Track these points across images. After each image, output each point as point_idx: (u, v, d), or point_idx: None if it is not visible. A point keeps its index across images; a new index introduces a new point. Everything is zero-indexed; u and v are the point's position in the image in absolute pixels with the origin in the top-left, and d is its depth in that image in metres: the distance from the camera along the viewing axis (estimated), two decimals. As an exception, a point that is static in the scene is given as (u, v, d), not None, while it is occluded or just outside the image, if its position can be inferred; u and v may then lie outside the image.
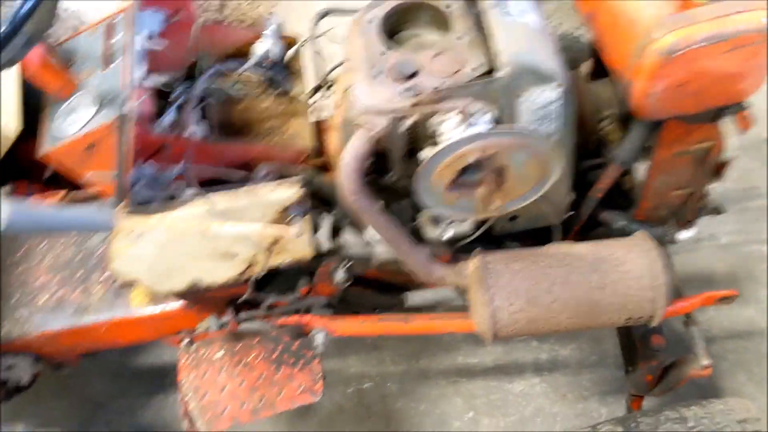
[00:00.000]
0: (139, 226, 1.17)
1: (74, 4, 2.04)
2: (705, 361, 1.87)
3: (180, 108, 1.57)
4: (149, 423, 2.58)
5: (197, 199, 1.40)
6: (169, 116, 1.53)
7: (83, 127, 1.34)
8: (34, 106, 2.13)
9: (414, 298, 2.08)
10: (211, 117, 1.66)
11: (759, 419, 1.84)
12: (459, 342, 2.63)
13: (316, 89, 1.81)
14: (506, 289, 1.51)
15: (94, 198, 2.00)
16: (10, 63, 1.20)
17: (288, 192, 1.42)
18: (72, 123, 1.36)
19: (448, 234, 1.59)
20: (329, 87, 1.83)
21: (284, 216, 1.46)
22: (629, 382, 2.10)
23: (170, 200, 1.41)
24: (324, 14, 1.76)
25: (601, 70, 1.76)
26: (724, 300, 1.91)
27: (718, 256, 2.73)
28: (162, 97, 1.63)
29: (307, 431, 2.49)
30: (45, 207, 0.92)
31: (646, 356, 1.94)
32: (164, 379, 2.67)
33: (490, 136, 1.30)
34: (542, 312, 1.52)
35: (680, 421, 1.80)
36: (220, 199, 1.39)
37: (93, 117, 1.35)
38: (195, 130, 1.54)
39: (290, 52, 1.79)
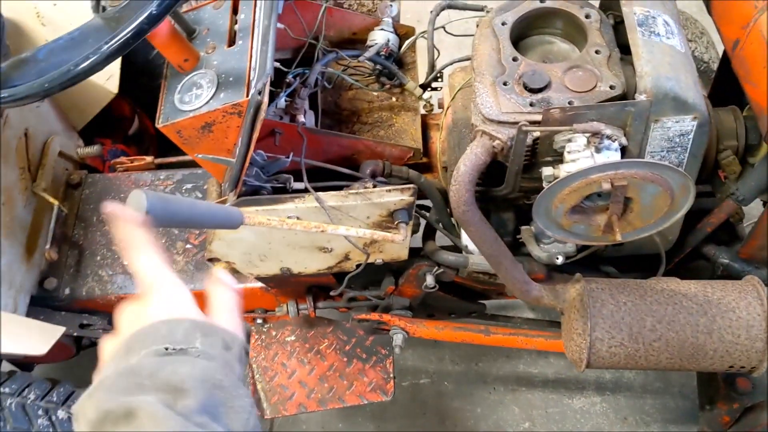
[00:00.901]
0: (259, 223, 1.13)
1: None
2: (790, 410, 1.79)
3: (292, 93, 1.52)
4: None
5: (306, 194, 1.35)
6: (281, 100, 1.49)
7: (203, 105, 1.30)
8: (129, 67, 2.13)
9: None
10: (320, 102, 1.62)
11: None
12: (521, 350, 2.57)
13: (428, 84, 1.74)
14: (609, 321, 1.45)
15: (186, 165, 2.00)
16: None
17: (399, 197, 1.37)
18: (191, 99, 1.33)
19: (559, 260, 1.53)
20: (440, 83, 1.77)
21: (389, 219, 1.41)
22: (703, 419, 2.03)
23: (278, 192, 1.37)
24: (444, 6, 1.69)
25: (723, 94, 1.67)
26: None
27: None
28: (273, 78, 1.58)
29: (359, 420, 2.47)
30: (180, 201, 0.88)
31: (728, 398, 1.87)
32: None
33: (626, 166, 1.23)
34: (643, 349, 1.45)
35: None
36: (330, 197, 1.35)
37: (213, 96, 1.31)
38: (306, 118, 1.50)
39: (407, 43, 1.73)
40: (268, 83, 1.25)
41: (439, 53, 1.79)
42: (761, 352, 1.45)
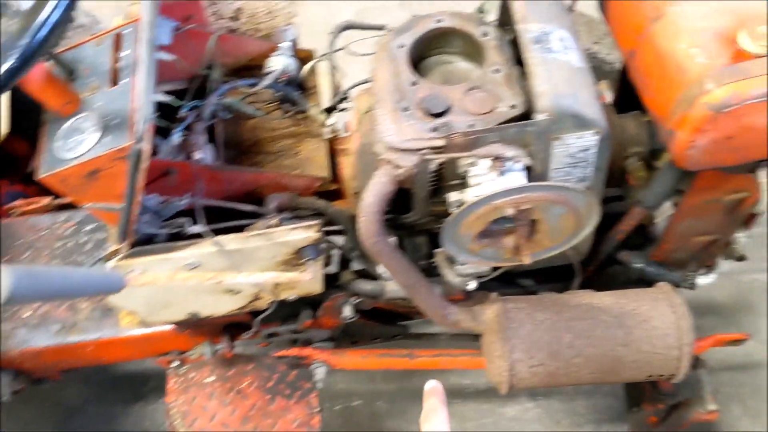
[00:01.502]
0: (145, 283, 1.06)
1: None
2: (712, 407, 1.83)
3: (187, 127, 1.45)
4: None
5: (204, 239, 1.28)
6: (175, 137, 1.41)
7: (87, 152, 1.22)
8: (20, 101, 2.00)
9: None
10: (218, 135, 1.55)
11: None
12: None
13: (332, 109, 1.70)
14: (527, 342, 1.43)
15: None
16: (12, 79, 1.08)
17: (304, 234, 1.32)
18: (74, 146, 1.24)
19: (471, 286, 1.50)
20: (345, 107, 1.72)
21: (296, 256, 1.36)
22: (631, 421, 2.06)
23: (174, 238, 1.30)
24: (344, 28, 1.65)
25: (627, 100, 1.68)
26: (735, 343, 1.87)
27: (718, 285, 2.64)
28: (165, 112, 1.51)
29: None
30: (51, 272, 0.80)
31: (653, 399, 1.90)
32: (144, 386, 2.56)
33: (529, 191, 1.21)
34: (563, 366, 1.44)
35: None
36: (230, 241, 1.29)
37: (98, 142, 1.23)
38: (204, 153, 1.43)
39: (306, 67, 1.67)
40: (149, 129, 1.17)
41: (344, 75, 1.74)
42: (677, 360, 1.46)
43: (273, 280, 1.21)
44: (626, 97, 1.69)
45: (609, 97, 1.84)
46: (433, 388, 0.91)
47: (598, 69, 2.45)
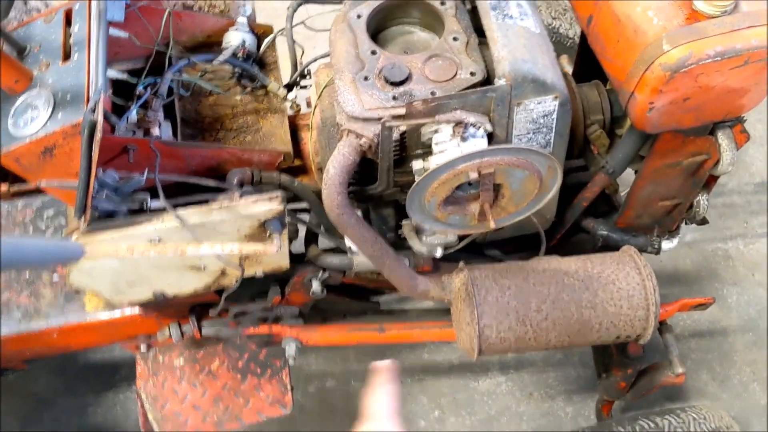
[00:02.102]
0: (104, 254, 1.04)
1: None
2: (679, 369, 1.86)
3: (145, 104, 1.42)
4: (99, 422, 2.44)
5: (165, 213, 1.26)
6: (132, 114, 1.39)
7: (40, 129, 1.19)
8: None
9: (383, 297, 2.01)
10: (178, 113, 1.52)
11: (731, 427, 1.85)
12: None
13: (293, 84, 1.68)
14: (495, 308, 1.44)
15: (39, 191, 1.85)
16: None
17: (267, 206, 1.31)
18: (27, 123, 1.21)
19: (438, 253, 1.50)
20: (304, 79, 1.70)
21: (261, 229, 1.34)
22: (602, 388, 2.08)
23: (135, 214, 1.28)
24: (301, 2, 1.63)
25: (587, 70, 1.69)
26: (700, 306, 1.90)
27: (683, 254, 2.73)
28: (123, 90, 1.48)
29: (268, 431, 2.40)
30: (6, 241, 0.78)
31: (621, 364, 1.91)
32: (114, 375, 2.53)
33: (490, 154, 1.21)
34: (531, 331, 1.45)
35: (656, 431, 1.79)
36: (192, 214, 1.27)
37: (50, 118, 1.20)
38: (161, 130, 1.41)
39: (266, 42, 1.65)
40: (101, 101, 1.15)
41: (303, 50, 1.73)
42: (644, 320, 1.48)
43: (237, 251, 1.20)
44: (586, 67, 1.71)
45: (569, 70, 1.85)
46: (383, 365, 0.94)
47: (558, 44, 2.47)
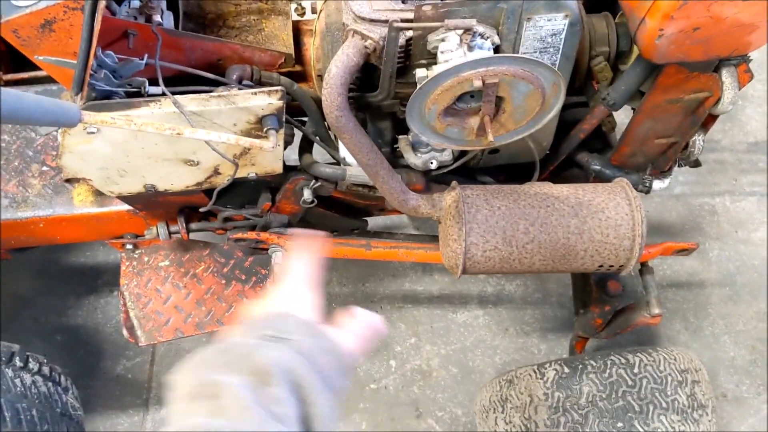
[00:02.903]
0: (101, 122, 1.03)
1: None
2: (656, 310, 1.89)
3: (147, -9, 1.39)
4: (79, 324, 2.46)
5: (163, 98, 1.25)
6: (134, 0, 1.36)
7: (41, 0, 1.16)
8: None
9: (370, 221, 2.02)
10: (181, 4, 1.49)
11: (699, 369, 1.89)
12: (407, 269, 2.59)
13: (299, -12, 1.64)
14: (483, 226, 1.45)
15: (40, 81, 1.82)
16: None
17: (267, 100, 1.29)
18: (27, -7, 1.18)
19: (434, 164, 1.50)
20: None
21: (258, 126, 1.33)
22: (578, 324, 2.12)
23: (132, 97, 1.26)
24: None
25: (597, 1, 1.67)
26: (683, 252, 1.92)
27: (670, 206, 2.76)
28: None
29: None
30: (4, 93, 0.77)
31: (600, 300, 1.95)
32: (96, 279, 2.54)
33: (497, 62, 1.20)
34: (516, 252, 1.47)
35: (626, 366, 1.83)
36: (190, 101, 1.25)
37: (52, -11, 1.17)
38: (163, 18, 1.38)
39: (274, -59, 1.61)
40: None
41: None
42: (628, 250, 1.50)
43: (235, 142, 1.19)
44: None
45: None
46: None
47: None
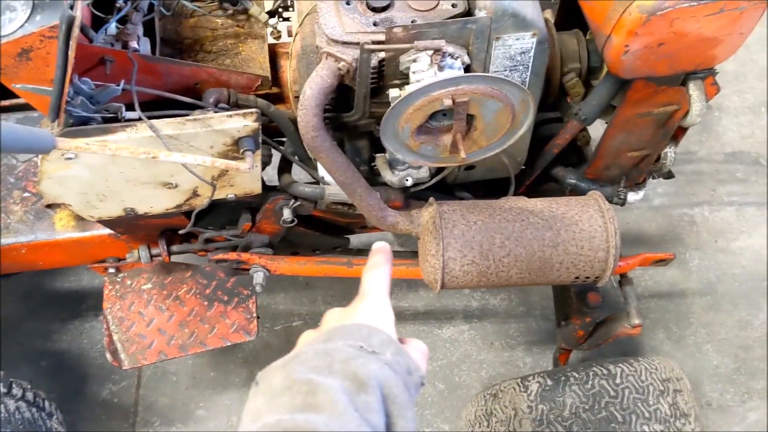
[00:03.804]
0: (75, 148, 1.04)
1: None
2: (636, 321, 1.91)
3: (123, 19, 1.41)
4: (64, 349, 2.45)
5: (139, 123, 1.27)
6: (111, 26, 1.38)
7: (17, 30, 1.18)
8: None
9: (353, 239, 2.04)
10: (157, 30, 1.52)
11: (681, 378, 1.91)
12: (391, 286, 2.60)
13: (275, 11, 1.67)
14: (460, 241, 1.47)
15: (22, 108, 1.84)
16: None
17: (242, 122, 1.31)
18: (5, 24, 1.20)
19: (409, 182, 1.53)
20: (286, 11, 1.70)
21: (234, 148, 1.35)
22: (560, 336, 2.14)
23: (109, 122, 1.28)
24: (288, -72, 1.62)
25: (568, 20, 1.71)
26: (661, 262, 1.95)
27: (649, 217, 2.79)
28: (102, 3, 1.47)
29: (230, 366, 2.43)
30: (-25, 120, 0.79)
31: (581, 312, 1.97)
32: (81, 304, 2.54)
33: (467, 81, 1.23)
34: (494, 266, 1.49)
35: (608, 377, 1.85)
36: (166, 125, 1.27)
37: (28, 20, 1.19)
38: (140, 45, 1.40)
39: (249, -34, 1.64)
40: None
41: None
42: (603, 262, 1.52)
43: (210, 164, 1.21)
44: (568, 18, 1.72)
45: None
46: (381, 247, 0.99)
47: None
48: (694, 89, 1.53)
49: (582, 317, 1.98)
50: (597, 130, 1.76)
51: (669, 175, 1.82)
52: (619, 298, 1.97)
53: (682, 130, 1.68)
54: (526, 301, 2.61)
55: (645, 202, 2.80)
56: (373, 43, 1.29)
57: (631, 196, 1.83)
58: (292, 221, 1.65)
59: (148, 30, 1.52)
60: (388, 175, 1.53)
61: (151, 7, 1.49)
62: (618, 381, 1.85)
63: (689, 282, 2.65)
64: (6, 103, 1.91)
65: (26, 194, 1.80)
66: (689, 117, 1.56)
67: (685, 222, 2.78)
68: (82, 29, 1.33)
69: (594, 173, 1.81)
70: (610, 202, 1.81)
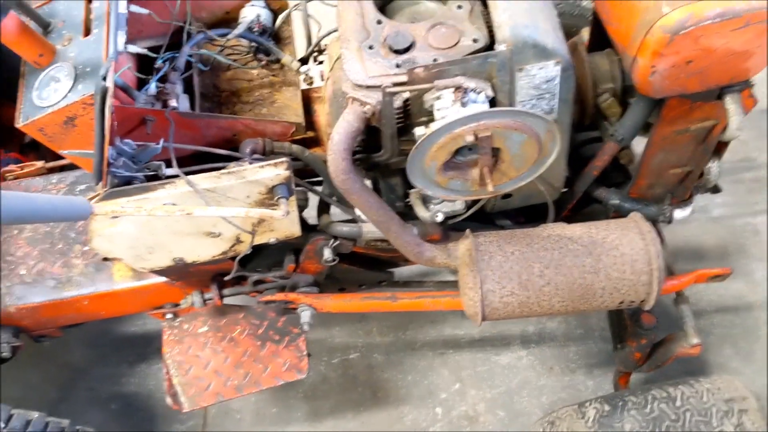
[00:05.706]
0: (111, 212, 1.11)
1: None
2: (694, 340, 1.86)
3: (164, 78, 1.49)
4: (133, 392, 2.55)
5: (178, 179, 1.33)
6: (151, 87, 1.46)
7: (61, 100, 1.27)
8: (10, 69, 2.05)
9: (402, 270, 2.06)
10: (196, 86, 1.59)
11: (746, 398, 1.84)
12: (446, 314, 2.60)
13: (307, 58, 1.73)
14: (498, 272, 1.47)
15: (73, 167, 1.95)
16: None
17: (274, 172, 1.36)
18: (51, 94, 1.29)
19: (439, 218, 1.54)
20: (320, 55, 1.75)
21: (270, 196, 1.40)
22: (617, 359, 2.09)
23: (150, 181, 1.35)
24: (315, -22, 1.68)
25: (601, 40, 1.70)
26: (717, 278, 1.89)
27: (709, 229, 2.71)
28: (145, 65, 1.55)
29: (291, 402, 2.47)
30: (15, 196, 0.85)
31: (635, 334, 1.93)
32: (147, 347, 2.64)
33: (487, 117, 1.25)
34: (534, 296, 1.48)
35: (668, 400, 1.79)
36: (203, 180, 1.33)
37: (71, 89, 1.28)
38: (179, 102, 1.47)
39: (281, 17, 1.70)
40: (112, 68, 1.22)
41: (320, 26, 1.77)
42: (647, 285, 1.49)
43: (244, 214, 1.25)
44: (601, 38, 1.71)
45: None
46: None
47: (581, 17, 2.47)
48: (731, 103, 1.49)
49: (637, 339, 1.94)
50: (641, 146, 1.74)
51: (715, 190, 1.77)
52: (676, 316, 1.93)
53: (724, 144, 1.64)
54: (584, 323, 2.56)
55: (704, 213, 2.73)
56: (395, 84, 1.32)
57: (678, 213, 1.79)
58: (333, 260, 1.68)
59: (188, 85, 1.60)
60: (420, 212, 1.55)
61: (188, 64, 1.56)
62: (678, 404, 1.79)
63: (756, 294, 2.55)
64: (62, 162, 2.03)
65: (86, 248, 1.89)
66: (728, 131, 1.52)
67: (748, 232, 2.68)
68: (126, 90, 1.41)
69: (638, 192, 1.78)
70: (656, 221, 1.78)
